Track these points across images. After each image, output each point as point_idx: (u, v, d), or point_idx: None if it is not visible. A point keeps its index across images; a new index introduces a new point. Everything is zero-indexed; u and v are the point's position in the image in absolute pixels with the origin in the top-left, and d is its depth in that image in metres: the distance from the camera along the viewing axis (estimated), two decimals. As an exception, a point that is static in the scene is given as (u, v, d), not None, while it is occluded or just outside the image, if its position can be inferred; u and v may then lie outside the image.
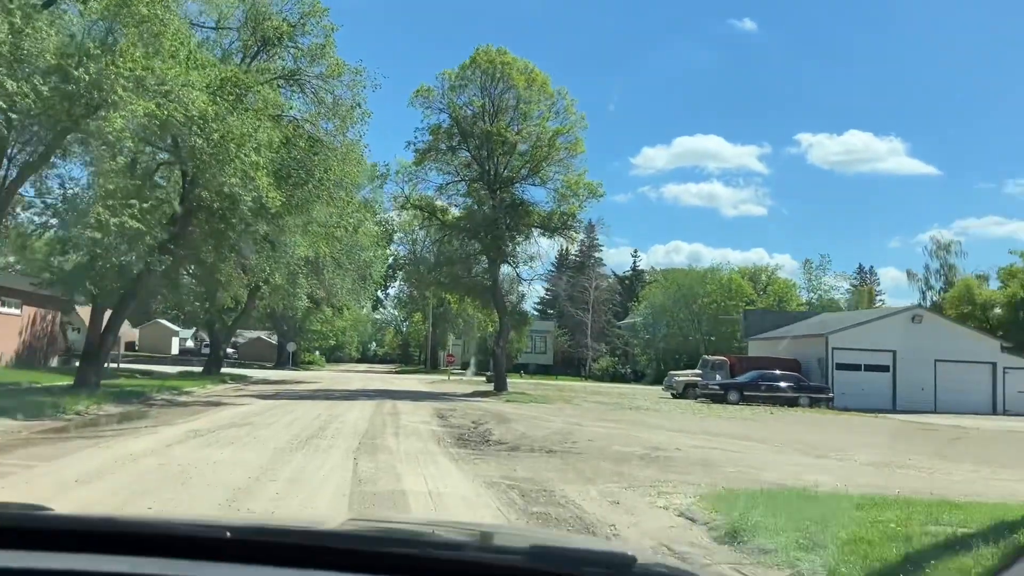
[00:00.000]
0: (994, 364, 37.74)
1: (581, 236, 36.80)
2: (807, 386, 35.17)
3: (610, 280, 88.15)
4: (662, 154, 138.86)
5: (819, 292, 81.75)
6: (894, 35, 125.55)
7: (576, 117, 35.31)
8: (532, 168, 34.71)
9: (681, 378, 38.66)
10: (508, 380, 37.00)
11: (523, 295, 40.18)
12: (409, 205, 36.02)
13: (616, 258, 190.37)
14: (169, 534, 1.86)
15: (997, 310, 55.87)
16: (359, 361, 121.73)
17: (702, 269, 74.96)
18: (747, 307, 68.21)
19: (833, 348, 37.13)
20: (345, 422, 18.51)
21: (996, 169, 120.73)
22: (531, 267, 36.75)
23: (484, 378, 50.19)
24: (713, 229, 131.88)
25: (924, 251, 75.97)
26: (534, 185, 35.62)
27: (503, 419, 21.41)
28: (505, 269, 36.85)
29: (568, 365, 77.31)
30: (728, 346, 61.46)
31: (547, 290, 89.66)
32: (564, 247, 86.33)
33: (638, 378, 68.96)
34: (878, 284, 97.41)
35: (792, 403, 33.90)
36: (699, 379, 37.98)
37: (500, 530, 3.77)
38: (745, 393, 34.52)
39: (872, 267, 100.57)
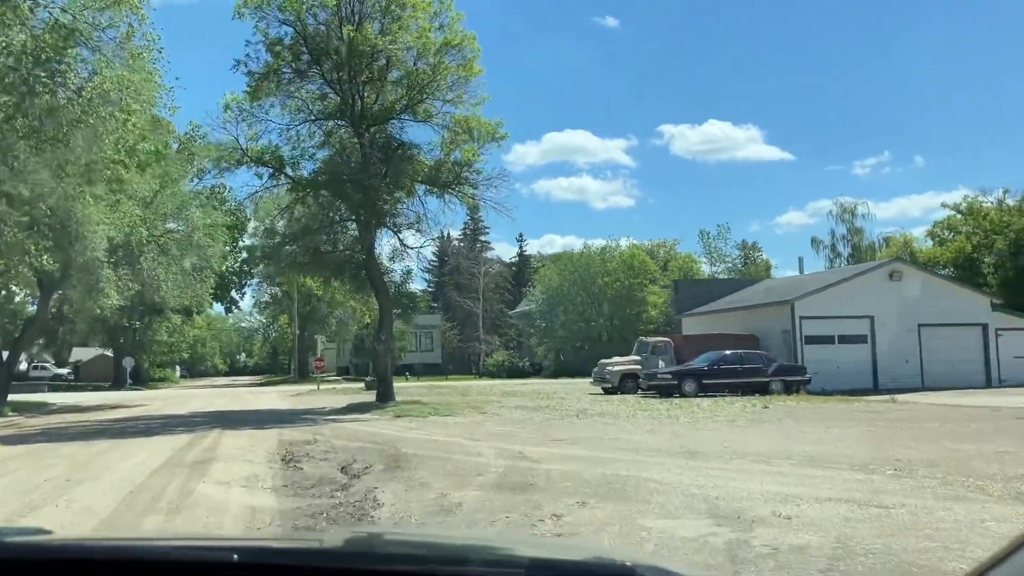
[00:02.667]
0: (985, 325, 31.18)
1: (480, 193, 26.80)
2: (778, 367, 27.67)
3: (497, 266, 79.93)
4: (532, 150, 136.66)
5: (724, 263, 76.79)
6: (746, 28, 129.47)
7: (466, 35, 26.39)
8: (413, 98, 25.41)
9: (617, 368, 30.29)
10: (395, 385, 27.86)
11: (409, 271, 30.86)
12: (247, 159, 26.19)
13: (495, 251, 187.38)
14: (174, 559, 1.77)
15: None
16: (227, 374, 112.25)
17: (596, 248, 67.56)
18: (651, 284, 61.77)
19: (800, 317, 29.67)
20: (72, 502, 9.12)
21: (844, 152, 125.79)
22: (419, 231, 27.40)
23: (363, 384, 40.92)
24: (584, 222, 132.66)
25: (829, 216, 72.10)
26: (415, 122, 26.35)
27: (396, 457, 12.50)
28: (384, 238, 27.75)
29: (459, 362, 68.81)
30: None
31: (430, 282, 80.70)
32: (446, 232, 78.57)
33: (536, 371, 61.43)
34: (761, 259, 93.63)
35: (763, 390, 26.40)
36: (639, 367, 29.97)
37: (500, 540, 3.18)
38: (704, 382, 26.78)
39: (756, 243, 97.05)
